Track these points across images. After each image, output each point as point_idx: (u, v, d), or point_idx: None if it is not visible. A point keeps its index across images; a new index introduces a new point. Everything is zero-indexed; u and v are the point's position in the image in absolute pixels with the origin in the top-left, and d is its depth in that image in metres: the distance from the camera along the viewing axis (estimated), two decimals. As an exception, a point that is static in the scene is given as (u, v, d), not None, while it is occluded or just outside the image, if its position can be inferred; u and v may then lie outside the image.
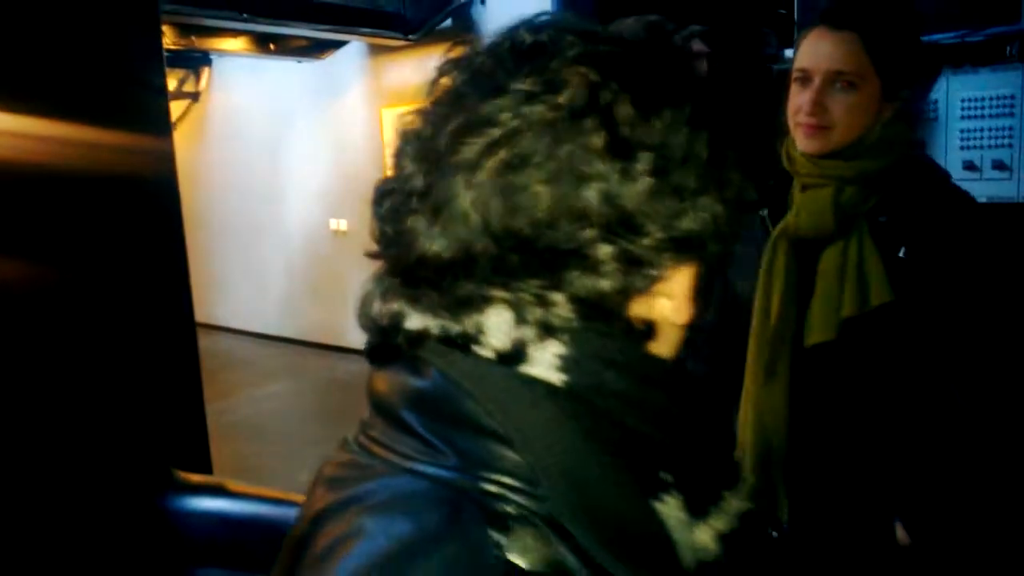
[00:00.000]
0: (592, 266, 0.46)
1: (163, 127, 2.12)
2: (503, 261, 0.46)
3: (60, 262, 1.90)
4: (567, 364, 0.47)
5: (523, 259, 0.46)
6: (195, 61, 5.82)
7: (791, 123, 1.27)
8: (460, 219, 0.46)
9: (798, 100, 1.24)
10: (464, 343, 0.48)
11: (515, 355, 0.47)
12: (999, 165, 3.08)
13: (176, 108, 6.30)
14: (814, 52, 1.23)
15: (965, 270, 1.21)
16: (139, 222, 2.00)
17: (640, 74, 0.48)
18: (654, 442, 0.50)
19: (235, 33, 4.84)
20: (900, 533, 1.27)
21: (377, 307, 0.52)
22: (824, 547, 1.30)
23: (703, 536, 0.51)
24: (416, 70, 5.34)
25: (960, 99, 3.14)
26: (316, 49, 5.42)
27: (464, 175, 0.47)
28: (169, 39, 4.55)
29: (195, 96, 6.65)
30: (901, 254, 1.21)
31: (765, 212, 1.34)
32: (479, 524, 0.44)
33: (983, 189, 3.08)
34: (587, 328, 0.48)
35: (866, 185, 1.23)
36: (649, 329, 0.50)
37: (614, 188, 0.45)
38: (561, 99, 0.46)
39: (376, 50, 5.45)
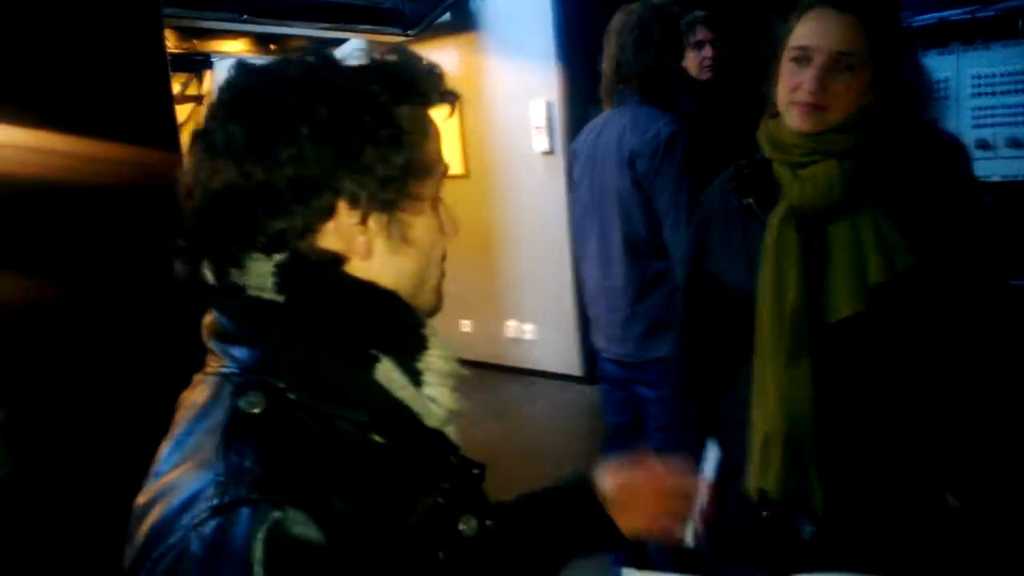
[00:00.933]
0: (285, 218, 0.70)
1: (170, 132, 2.11)
2: (231, 229, 0.71)
3: (70, 269, 1.89)
4: (282, 288, 0.71)
5: (242, 225, 0.70)
6: (197, 64, 5.81)
7: (783, 101, 1.27)
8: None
9: (795, 79, 1.25)
10: (223, 287, 0.73)
11: (247, 287, 0.72)
12: (1014, 143, 3.03)
13: (181, 112, 6.28)
14: (817, 32, 1.23)
15: (969, 226, 1.27)
16: (147, 227, 1.99)
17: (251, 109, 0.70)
18: (361, 330, 0.72)
19: (236, 35, 4.82)
20: (951, 501, 1.27)
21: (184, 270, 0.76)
22: (866, 532, 1.28)
23: (436, 392, 0.75)
24: (418, 65, 5.30)
25: (971, 76, 3.09)
26: (316, 48, 5.40)
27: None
28: (171, 43, 4.52)
29: (199, 99, 6.64)
30: (910, 220, 1.24)
31: (751, 200, 1.34)
32: (230, 395, 0.69)
33: (997, 168, 3.04)
34: (292, 261, 0.71)
35: (864, 157, 1.26)
36: (336, 257, 0.72)
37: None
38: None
39: (376, 47, 5.41)
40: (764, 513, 1.31)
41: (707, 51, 2.69)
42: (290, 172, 0.68)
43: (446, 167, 0.80)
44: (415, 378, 0.74)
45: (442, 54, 5.16)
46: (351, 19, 4.64)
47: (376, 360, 0.71)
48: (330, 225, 0.72)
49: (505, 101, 4.93)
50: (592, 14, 2.25)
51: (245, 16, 4.00)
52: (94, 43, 1.93)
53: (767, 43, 1.37)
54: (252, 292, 0.71)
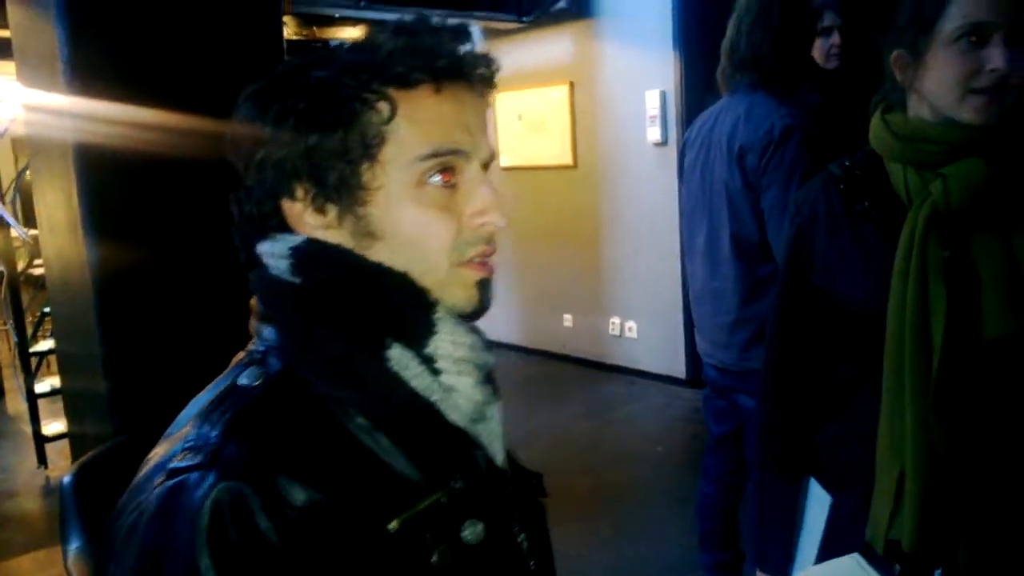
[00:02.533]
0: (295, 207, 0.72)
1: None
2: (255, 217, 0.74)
3: (185, 244, 1.93)
4: (297, 271, 0.70)
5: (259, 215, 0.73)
6: (315, 50, 5.97)
7: (955, 91, 1.08)
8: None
9: (972, 62, 1.06)
10: (253, 265, 0.74)
11: (270, 267, 0.72)
12: None
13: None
14: (994, 3, 1.05)
15: None
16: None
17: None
18: (370, 314, 0.70)
19: (354, 21, 4.88)
20: None
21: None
22: None
23: (455, 382, 0.71)
24: (530, 53, 5.25)
25: None
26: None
27: None
28: (291, 29, 4.63)
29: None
30: None
31: (866, 204, 1.16)
32: (242, 369, 0.70)
33: None
34: (306, 243, 0.71)
35: (1011, 153, 1.09)
36: (341, 248, 0.71)
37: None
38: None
39: (491, 34, 5.39)
40: (896, 568, 1.14)
41: (835, 38, 2.49)
42: (259, 156, 0.70)
43: (453, 149, 0.71)
44: (431, 366, 0.70)
45: (557, 41, 5.08)
46: (467, 6, 4.62)
47: (387, 346, 0.69)
48: (295, 210, 0.71)
49: (620, 90, 4.79)
50: (713, 2, 2.10)
51: (363, 3, 4.03)
52: (217, 31, 1.96)
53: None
54: (273, 272, 0.71)
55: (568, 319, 5.40)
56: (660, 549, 2.94)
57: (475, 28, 0.79)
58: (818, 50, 2.54)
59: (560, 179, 5.24)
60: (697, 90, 4.29)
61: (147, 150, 1.81)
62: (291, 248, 0.71)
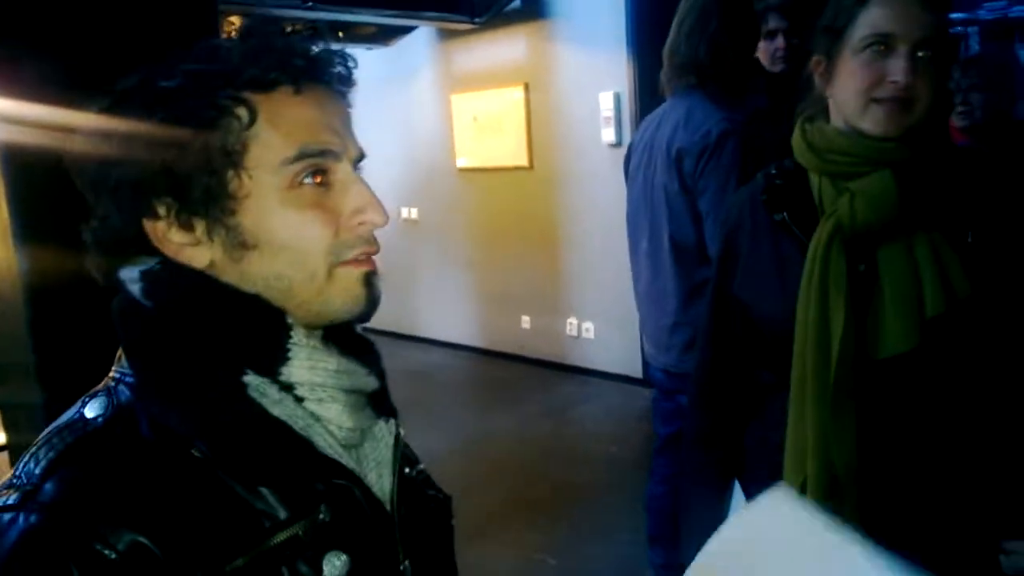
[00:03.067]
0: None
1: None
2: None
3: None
4: (148, 295, 0.68)
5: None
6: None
7: (858, 101, 1.10)
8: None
9: (875, 72, 1.08)
10: (110, 286, 0.71)
11: (128, 290, 0.69)
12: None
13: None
14: (900, 16, 1.07)
15: None
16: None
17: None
18: (224, 340, 0.67)
19: (304, 23, 4.82)
20: (1007, 562, 1.10)
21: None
22: None
23: (321, 409, 0.68)
24: (485, 54, 5.23)
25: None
26: (384, 36, 5.37)
27: None
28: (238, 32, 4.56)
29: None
30: (969, 239, 1.09)
31: (784, 215, 1.18)
32: (90, 399, 0.67)
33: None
34: (158, 265, 0.69)
35: (919, 168, 1.10)
36: (194, 270, 0.68)
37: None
38: None
39: (445, 35, 5.37)
40: None
41: (779, 41, 2.51)
42: (113, 178, 0.66)
43: (321, 149, 0.68)
44: (292, 393, 0.67)
45: (511, 42, 5.07)
46: (418, 6, 4.59)
47: (243, 372, 0.66)
48: (158, 230, 0.68)
49: (574, 91, 4.80)
50: (665, 4, 2.11)
51: (310, 3, 3.98)
52: (150, 28, 1.91)
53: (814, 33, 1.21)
54: (130, 294, 0.69)
55: (526, 320, 5.40)
56: (617, 549, 2.95)
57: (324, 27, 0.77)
58: (764, 53, 2.57)
59: (516, 180, 5.23)
60: (651, 92, 4.31)
61: (76, 151, 1.77)
62: (142, 271, 0.68)
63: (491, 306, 5.60)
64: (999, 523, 1.12)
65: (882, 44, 1.07)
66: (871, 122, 1.09)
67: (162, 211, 0.67)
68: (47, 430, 0.65)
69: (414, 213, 5.94)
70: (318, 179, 0.69)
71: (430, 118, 5.64)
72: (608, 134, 4.63)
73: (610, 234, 4.71)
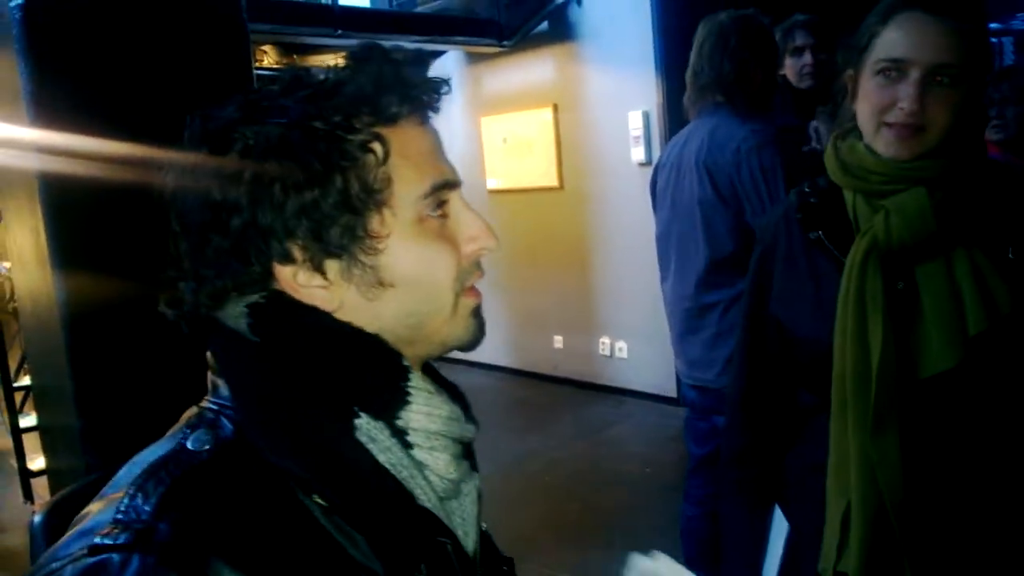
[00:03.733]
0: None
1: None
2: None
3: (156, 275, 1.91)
4: (254, 330, 0.64)
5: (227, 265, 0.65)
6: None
7: (871, 122, 1.09)
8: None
9: (886, 96, 1.07)
10: (211, 321, 0.67)
11: (226, 322, 0.66)
12: None
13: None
14: (913, 41, 1.06)
15: None
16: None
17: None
18: (338, 380, 0.64)
19: (334, 49, 4.91)
20: None
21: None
22: None
23: (428, 458, 0.65)
24: (514, 77, 5.27)
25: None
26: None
27: None
28: (272, 59, 4.65)
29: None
30: (1010, 255, 1.06)
31: (819, 234, 1.16)
32: (186, 429, 0.64)
33: None
34: (267, 301, 0.65)
35: (955, 184, 1.08)
36: (308, 307, 0.65)
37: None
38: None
39: (474, 58, 5.42)
40: None
41: (807, 58, 2.51)
42: (237, 223, 0.63)
43: (445, 180, 0.68)
44: (402, 439, 0.64)
45: (540, 64, 5.11)
46: (447, 31, 4.65)
47: (355, 415, 0.63)
48: (286, 274, 0.64)
49: (603, 111, 4.81)
50: (692, 23, 2.13)
51: (339, 31, 4.05)
52: (182, 58, 1.96)
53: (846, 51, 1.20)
54: (231, 326, 0.66)
55: (558, 340, 5.38)
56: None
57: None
58: (791, 70, 2.56)
59: (546, 200, 5.24)
60: (680, 110, 4.30)
61: (114, 181, 1.80)
62: (249, 306, 0.65)
63: (523, 326, 5.59)
64: None
65: (894, 69, 1.07)
66: (883, 145, 1.09)
67: (297, 255, 0.64)
68: (145, 462, 0.62)
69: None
70: (440, 211, 0.68)
71: (460, 140, 5.68)
72: (637, 153, 4.62)
73: (641, 252, 4.68)
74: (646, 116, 4.55)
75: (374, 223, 0.64)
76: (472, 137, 5.61)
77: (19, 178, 1.88)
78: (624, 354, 4.98)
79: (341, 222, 0.63)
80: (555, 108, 5.07)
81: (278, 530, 0.58)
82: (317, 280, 0.65)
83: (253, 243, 0.63)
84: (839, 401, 1.10)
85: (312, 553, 0.59)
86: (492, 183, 5.55)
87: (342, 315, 0.66)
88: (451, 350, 0.71)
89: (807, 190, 1.22)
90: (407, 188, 0.66)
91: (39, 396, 2.36)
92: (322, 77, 0.66)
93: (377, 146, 0.64)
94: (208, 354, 0.69)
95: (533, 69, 5.17)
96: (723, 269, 2.04)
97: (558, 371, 5.38)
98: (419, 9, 5.39)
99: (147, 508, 0.56)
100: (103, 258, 1.85)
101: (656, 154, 4.53)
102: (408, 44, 4.30)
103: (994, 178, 1.14)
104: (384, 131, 0.64)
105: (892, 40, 1.07)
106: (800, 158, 2.02)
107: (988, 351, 1.04)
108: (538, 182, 5.25)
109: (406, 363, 0.67)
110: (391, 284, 0.65)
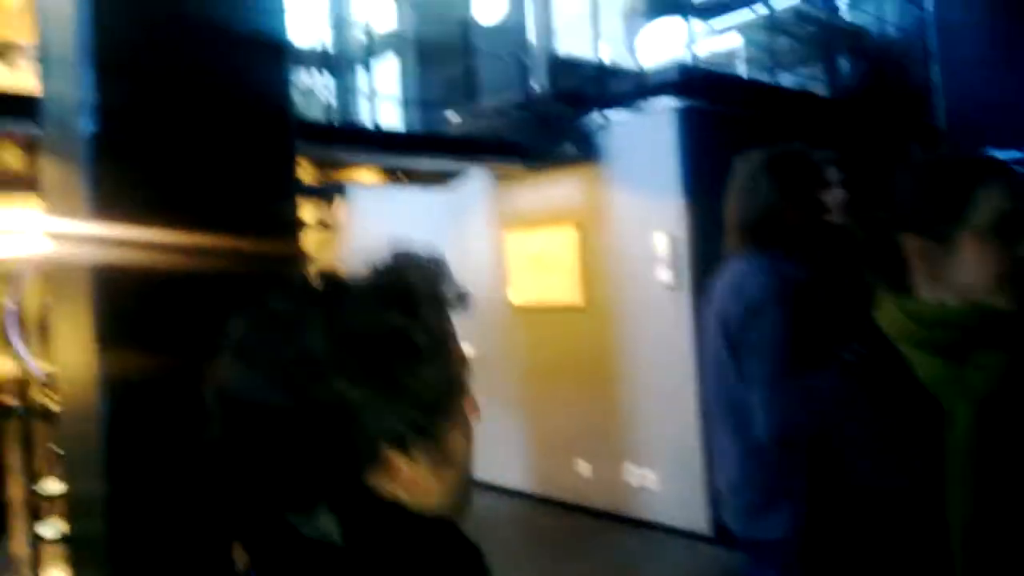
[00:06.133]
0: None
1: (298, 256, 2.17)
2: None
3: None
4: (346, 537, 0.67)
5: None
6: (331, 191, 6.21)
7: (993, 279, 1.09)
8: None
9: (1007, 252, 1.08)
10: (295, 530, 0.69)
11: (302, 528, 0.68)
12: None
13: (318, 237, 6.61)
14: (1017, 191, 1.09)
15: None
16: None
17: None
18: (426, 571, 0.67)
19: (368, 166, 5.08)
20: None
21: None
22: None
23: None
24: (538, 195, 5.35)
25: None
26: (443, 178, 5.59)
27: None
28: (307, 174, 4.80)
29: (330, 225, 6.98)
30: None
31: (884, 389, 1.14)
32: None
33: None
34: (353, 504, 0.67)
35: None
36: (396, 504, 0.68)
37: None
38: None
39: (499, 176, 5.52)
40: None
41: (838, 193, 2.54)
42: (329, 420, 0.65)
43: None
44: None
45: (564, 184, 5.19)
46: (474, 151, 4.79)
47: None
48: (379, 466, 0.68)
49: (627, 232, 4.81)
50: (717, 146, 2.16)
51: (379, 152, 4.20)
52: (236, 176, 2.04)
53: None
54: (308, 534, 0.68)
55: (582, 466, 5.16)
56: None
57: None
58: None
59: (570, 319, 5.17)
60: (705, 235, 4.29)
61: (164, 272, 1.85)
62: (339, 515, 0.67)
63: (544, 449, 5.40)
64: None
65: (1007, 222, 1.07)
66: (1005, 299, 1.08)
67: (388, 438, 0.68)
68: None
69: (467, 349, 5.93)
70: None
71: (485, 255, 5.70)
72: (663, 274, 4.59)
73: (669, 377, 4.55)
74: (674, 240, 4.53)
75: (459, 401, 0.75)
76: (496, 252, 5.63)
77: (72, 271, 1.91)
78: (652, 484, 4.75)
79: (440, 403, 0.72)
80: (579, 227, 5.10)
81: None
82: (404, 460, 0.68)
83: (363, 441, 0.68)
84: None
85: None
86: (515, 298, 5.54)
87: (420, 491, 0.70)
88: None
89: (856, 347, 1.19)
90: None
91: (70, 501, 2.30)
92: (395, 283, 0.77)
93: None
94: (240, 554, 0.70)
95: (558, 188, 5.22)
96: (737, 416, 1.93)
97: (580, 499, 5.13)
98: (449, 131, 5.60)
99: None
100: (150, 365, 1.86)
101: (684, 278, 4.49)
102: (439, 165, 4.43)
103: None
104: None
105: (995, 196, 1.09)
106: (813, 306, 1.96)
107: None
108: (562, 299, 5.21)
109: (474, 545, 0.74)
110: (453, 459, 0.72)
